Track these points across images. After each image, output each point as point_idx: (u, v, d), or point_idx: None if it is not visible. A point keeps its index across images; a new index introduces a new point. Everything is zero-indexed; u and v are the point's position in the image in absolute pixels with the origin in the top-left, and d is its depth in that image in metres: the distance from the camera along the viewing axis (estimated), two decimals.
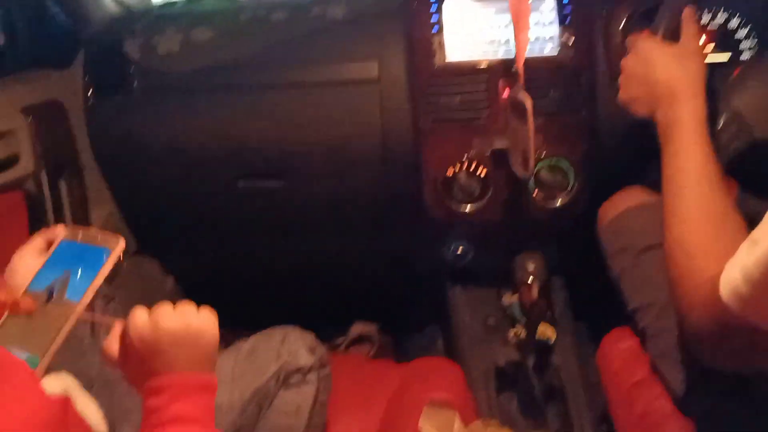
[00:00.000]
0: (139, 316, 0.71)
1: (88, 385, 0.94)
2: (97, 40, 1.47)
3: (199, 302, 1.89)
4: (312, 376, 1.01)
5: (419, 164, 1.37)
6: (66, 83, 1.43)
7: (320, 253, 1.63)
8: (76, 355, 1.00)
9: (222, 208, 1.53)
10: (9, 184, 1.27)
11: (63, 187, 1.40)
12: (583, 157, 1.31)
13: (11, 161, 1.28)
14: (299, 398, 1.00)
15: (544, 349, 1.31)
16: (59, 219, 1.35)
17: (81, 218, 1.43)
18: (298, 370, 1.00)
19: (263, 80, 1.40)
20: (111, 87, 1.47)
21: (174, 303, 0.74)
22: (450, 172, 1.34)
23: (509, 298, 1.35)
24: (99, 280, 0.79)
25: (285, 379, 1.00)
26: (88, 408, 0.88)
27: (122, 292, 1.56)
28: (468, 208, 1.36)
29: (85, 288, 0.78)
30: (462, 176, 1.34)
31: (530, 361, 1.30)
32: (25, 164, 1.29)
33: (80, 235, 0.84)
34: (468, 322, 1.45)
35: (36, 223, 1.33)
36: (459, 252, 1.44)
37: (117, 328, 0.73)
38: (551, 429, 1.22)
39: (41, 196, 1.34)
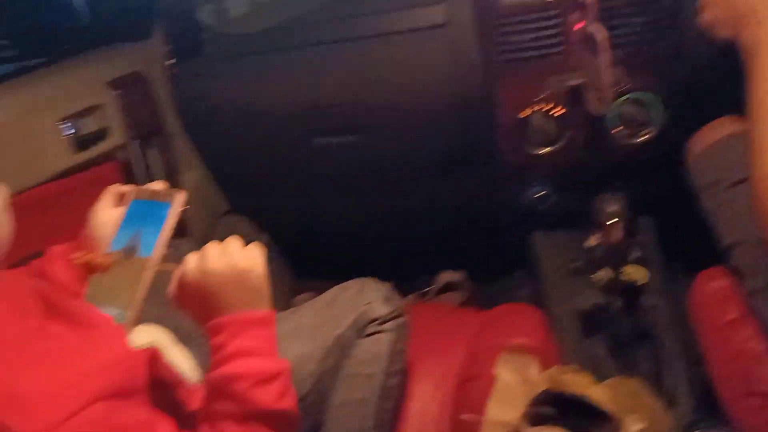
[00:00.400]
0: (190, 261, 0.75)
1: (186, 337, 1.00)
2: (173, 10, 1.52)
3: (292, 257, 1.97)
4: (388, 326, 1.03)
5: (492, 108, 1.34)
6: (147, 55, 1.50)
7: (399, 203, 1.64)
8: (172, 309, 1.07)
9: (301, 165, 1.56)
10: (103, 156, 1.36)
11: (153, 154, 1.48)
12: (668, 87, 1.23)
13: (103, 134, 1.36)
14: (376, 347, 1.02)
15: (632, 291, 1.26)
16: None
17: (172, 183, 1.50)
18: (375, 319, 1.03)
19: (329, 35, 1.40)
20: (189, 54, 1.52)
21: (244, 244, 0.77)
22: (524, 114, 1.30)
23: (593, 241, 1.31)
24: (167, 232, 0.85)
25: (362, 328, 1.03)
26: (179, 358, 0.95)
27: None
28: (545, 150, 1.32)
29: (155, 242, 0.84)
30: (537, 117, 1.29)
31: (617, 304, 1.25)
32: (116, 136, 1.38)
33: (147, 193, 0.89)
34: (552, 266, 1.42)
35: None
36: (539, 196, 1.41)
37: (176, 274, 0.77)
38: (641, 372, 1.19)
39: (133, 164, 1.42)
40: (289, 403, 0.74)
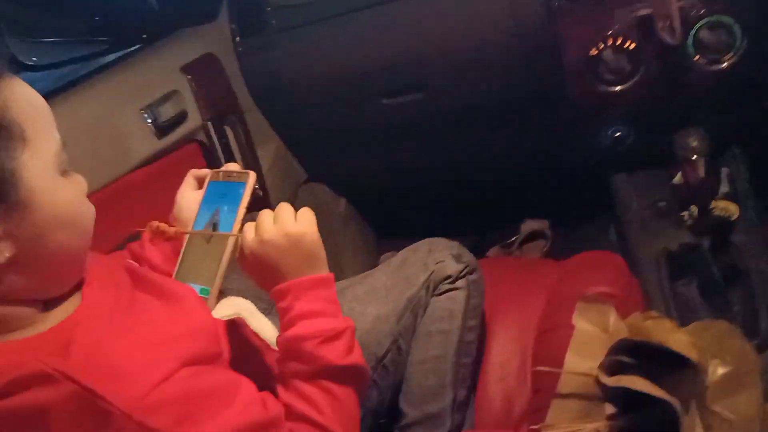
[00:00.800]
0: (248, 233, 0.80)
1: (268, 307, 1.06)
2: None
3: (374, 218, 2.01)
4: (461, 282, 1.04)
5: (559, 49, 1.28)
6: (216, 35, 1.54)
7: (474, 154, 1.62)
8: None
9: (372, 126, 1.57)
10: (184, 138, 1.43)
11: (229, 132, 1.54)
12: (751, 8, 1.14)
13: (182, 118, 1.42)
14: (450, 304, 1.03)
15: (723, 228, 1.20)
16: (230, 161, 1.49)
17: (250, 158, 1.56)
18: (447, 278, 1.04)
19: None
20: (254, 30, 1.56)
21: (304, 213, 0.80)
22: (593, 52, 1.24)
23: (678, 179, 1.25)
24: (242, 211, 0.90)
25: (435, 287, 1.04)
26: (264, 326, 1.00)
27: None
28: (619, 87, 1.26)
29: (233, 219, 0.89)
30: (608, 54, 1.24)
31: (707, 243, 1.20)
32: (193, 118, 1.44)
33: (221, 175, 0.95)
34: (636, 208, 1.37)
35: (213, 166, 1.48)
36: (617, 137, 1.35)
37: (237, 245, 0.82)
38: (733, 313, 1.14)
39: (212, 143, 1.48)
40: (355, 358, 0.78)
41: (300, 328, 0.77)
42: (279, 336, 0.80)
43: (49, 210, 0.64)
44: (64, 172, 0.66)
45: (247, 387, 0.72)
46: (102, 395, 0.59)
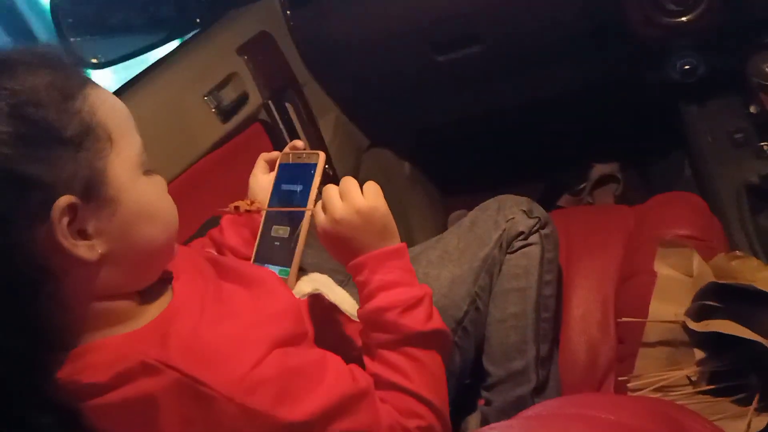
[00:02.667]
0: (318, 214, 0.82)
1: (346, 278, 1.09)
2: None
3: (439, 178, 2.01)
4: (534, 238, 1.03)
5: None
6: (267, 12, 1.55)
7: (536, 100, 1.59)
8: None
9: (429, 85, 1.56)
10: (247, 120, 1.45)
11: (290, 107, 1.55)
12: None
13: (243, 99, 1.45)
14: (525, 260, 1.02)
15: None
16: (294, 137, 1.51)
17: (312, 130, 1.58)
18: (519, 234, 1.02)
19: None
20: (303, 1, 1.56)
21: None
22: None
23: (754, 107, 1.19)
24: (314, 190, 0.93)
25: (508, 244, 1.03)
26: (343, 298, 1.03)
27: None
28: (685, 18, 1.20)
29: (306, 200, 0.91)
30: None
31: None
32: (254, 99, 1.46)
33: (291, 156, 0.97)
34: (711, 141, 1.31)
35: (278, 144, 1.51)
36: (686, 68, 1.29)
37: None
38: None
39: (274, 121, 1.51)
40: (436, 323, 0.80)
41: (380, 300, 0.79)
42: (360, 309, 0.82)
43: (135, 206, 0.67)
44: (146, 172, 0.70)
45: (334, 361, 0.75)
46: (203, 381, 0.63)
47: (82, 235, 0.63)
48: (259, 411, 0.64)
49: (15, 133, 0.60)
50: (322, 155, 0.95)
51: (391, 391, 0.77)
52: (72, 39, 1.53)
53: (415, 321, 0.78)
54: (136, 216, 0.68)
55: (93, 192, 0.64)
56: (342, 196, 0.81)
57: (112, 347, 0.65)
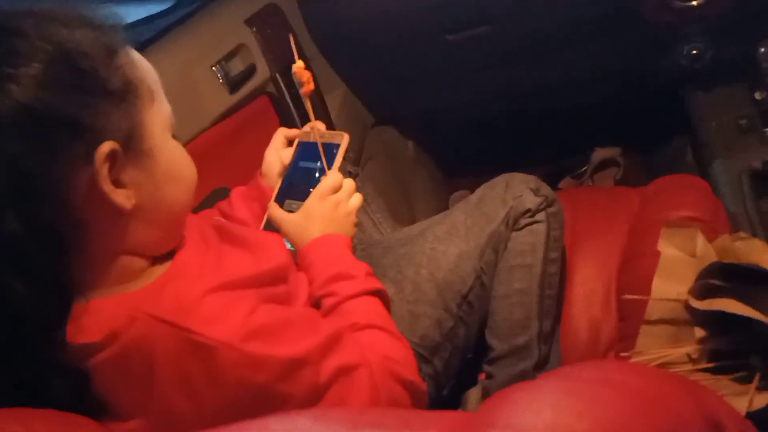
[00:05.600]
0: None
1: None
2: None
3: (440, 159, 2.01)
4: (540, 216, 1.04)
5: None
6: None
7: (542, 82, 1.59)
8: None
9: (437, 64, 1.56)
10: (254, 92, 1.45)
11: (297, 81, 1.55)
12: None
13: (251, 72, 1.45)
14: (531, 237, 1.04)
15: None
16: (300, 111, 1.51)
17: (319, 106, 1.57)
18: (526, 212, 1.04)
19: None
20: None
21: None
22: None
23: (759, 94, 1.20)
24: (336, 168, 0.94)
25: (515, 222, 1.04)
26: None
27: (372, 162, 1.73)
28: (696, 2, 1.20)
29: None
30: None
31: None
32: (261, 71, 1.46)
33: (311, 136, 0.98)
34: (716, 127, 1.32)
35: (285, 118, 1.51)
36: (693, 54, 1.30)
37: None
38: None
39: (282, 94, 1.51)
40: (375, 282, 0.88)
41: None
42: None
43: (167, 164, 0.70)
44: (173, 136, 0.72)
45: (317, 312, 0.82)
46: (200, 332, 0.64)
47: (118, 184, 0.65)
48: (259, 354, 0.66)
49: (65, 79, 0.62)
50: (346, 136, 0.96)
51: (367, 329, 0.82)
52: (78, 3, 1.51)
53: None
54: (166, 173, 0.70)
55: (132, 143, 0.66)
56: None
57: (107, 308, 0.66)
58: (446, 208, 1.46)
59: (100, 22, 0.68)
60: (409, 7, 1.46)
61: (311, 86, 0.98)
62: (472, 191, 1.13)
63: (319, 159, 0.96)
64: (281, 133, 1.03)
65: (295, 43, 1.02)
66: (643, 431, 0.29)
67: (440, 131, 1.82)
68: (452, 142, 1.85)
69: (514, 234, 1.05)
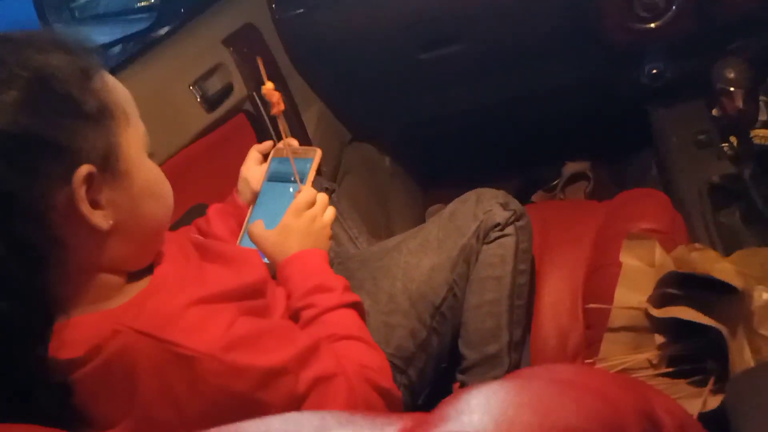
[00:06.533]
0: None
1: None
2: None
3: (417, 174, 2.05)
4: (510, 229, 1.08)
5: None
6: (252, 5, 1.58)
7: (512, 100, 1.65)
8: None
9: (411, 82, 1.61)
10: (232, 110, 1.48)
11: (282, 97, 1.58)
12: None
13: (228, 90, 1.48)
14: (501, 250, 1.07)
15: (764, 156, 1.21)
16: (277, 129, 1.54)
17: (296, 123, 1.61)
18: (495, 225, 1.07)
19: None
20: None
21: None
22: None
23: (716, 110, 1.26)
24: (309, 184, 0.97)
25: (485, 235, 1.08)
26: None
27: (350, 177, 1.77)
28: (654, 24, 1.26)
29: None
30: None
31: (748, 172, 1.21)
32: (239, 90, 1.49)
33: (284, 152, 1.01)
34: (676, 141, 1.38)
35: (262, 135, 1.54)
36: (654, 72, 1.36)
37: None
38: None
39: (259, 112, 1.54)
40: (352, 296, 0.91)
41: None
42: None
43: (143, 183, 0.72)
44: (149, 154, 0.74)
45: (294, 324, 0.84)
46: (182, 344, 0.66)
47: (95, 205, 0.67)
48: (240, 364, 0.68)
49: (43, 104, 0.64)
50: (319, 152, 1.00)
51: (344, 341, 0.85)
52: (57, 24, 1.54)
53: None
54: (143, 192, 0.72)
55: (108, 164, 0.68)
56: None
57: (88, 324, 0.68)
58: (423, 221, 1.50)
59: (75, 46, 0.70)
60: (383, 27, 1.51)
61: (281, 107, 1.01)
62: (448, 205, 1.17)
63: (293, 175, 0.99)
64: (255, 150, 1.06)
65: (264, 65, 1.05)
66: (580, 419, 0.33)
67: (417, 146, 1.87)
68: (429, 157, 1.90)
69: (484, 247, 1.08)
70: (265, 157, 1.07)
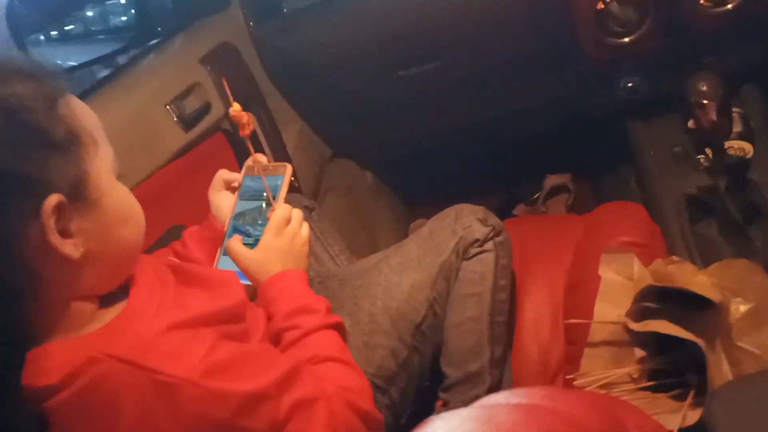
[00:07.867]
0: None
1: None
2: None
3: (399, 189, 2.05)
4: (489, 245, 1.08)
5: (567, 5, 1.31)
6: (230, 24, 1.58)
7: (491, 115, 1.66)
8: None
9: (390, 99, 1.61)
10: (210, 129, 1.48)
11: (252, 117, 1.58)
12: None
13: (206, 109, 1.47)
14: (481, 266, 1.07)
15: (739, 167, 1.22)
16: (257, 147, 1.53)
17: (275, 141, 1.61)
18: (475, 242, 1.07)
19: None
20: (267, 15, 1.59)
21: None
22: (600, 5, 1.26)
23: (692, 123, 1.27)
24: (281, 201, 0.96)
25: (464, 251, 1.08)
26: None
27: (331, 195, 1.76)
28: (628, 39, 1.28)
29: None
30: (614, 6, 1.26)
31: (724, 183, 1.22)
32: (216, 108, 1.48)
33: (255, 169, 1.00)
34: (653, 154, 1.39)
35: (240, 154, 1.53)
36: (630, 86, 1.37)
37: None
38: (754, 250, 1.17)
39: (237, 131, 1.53)
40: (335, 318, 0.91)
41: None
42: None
43: (113, 209, 0.71)
44: (118, 177, 0.73)
45: (274, 349, 0.83)
46: (160, 370, 0.65)
47: (65, 234, 0.66)
48: (220, 389, 0.68)
49: (9, 135, 0.63)
50: (289, 167, 0.99)
51: (326, 362, 0.84)
52: (30, 47, 1.53)
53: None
54: (114, 217, 0.71)
55: (78, 192, 0.67)
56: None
57: (62, 351, 0.67)
58: (407, 236, 1.50)
59: (39, 72, 0.68)
60: (361, 45, 1.51)
61: (251, 127, 1.00)
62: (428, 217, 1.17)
63: (264, 191, 0.99)
64: (221, 176, 1.05)
65: (229, 86, 1.05)
66: None
67: (398, 162, 1.87)
68: (410, 172, 1.90)
69: (464, 263, 1.08)
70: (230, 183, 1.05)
